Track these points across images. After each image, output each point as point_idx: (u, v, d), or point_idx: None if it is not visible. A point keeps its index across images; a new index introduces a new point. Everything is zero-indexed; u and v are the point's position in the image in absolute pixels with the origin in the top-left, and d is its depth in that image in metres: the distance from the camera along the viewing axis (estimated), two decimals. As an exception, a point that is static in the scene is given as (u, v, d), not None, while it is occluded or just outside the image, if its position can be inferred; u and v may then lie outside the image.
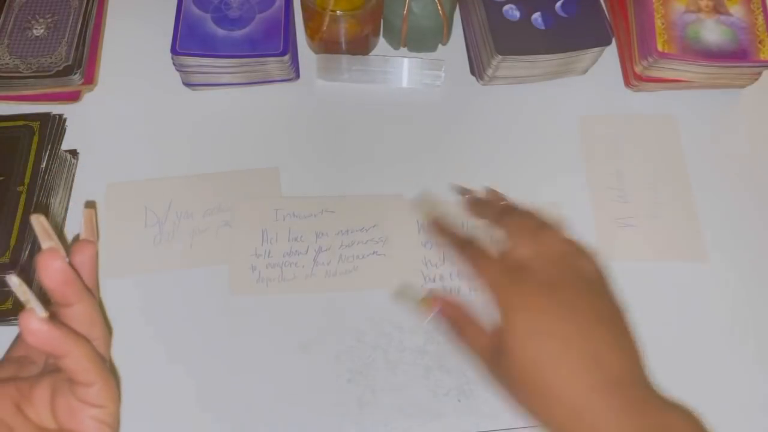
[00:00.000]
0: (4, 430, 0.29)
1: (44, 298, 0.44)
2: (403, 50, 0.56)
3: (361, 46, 0.55)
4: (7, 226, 0.43)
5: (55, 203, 0.47)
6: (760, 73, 0.54)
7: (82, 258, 0.30)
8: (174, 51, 0.50)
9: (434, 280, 0.46)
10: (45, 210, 0.45)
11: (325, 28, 0.51)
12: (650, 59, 0.51)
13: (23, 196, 0.44)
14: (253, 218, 0.48)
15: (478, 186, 0.44)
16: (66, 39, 0.52)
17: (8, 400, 0.29)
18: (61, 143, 0.49)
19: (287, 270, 0.46)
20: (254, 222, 0.48)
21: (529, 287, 0.32)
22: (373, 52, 0.56)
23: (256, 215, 0.48)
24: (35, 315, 0.26)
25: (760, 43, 0.51)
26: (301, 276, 0.46)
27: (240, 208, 0.48)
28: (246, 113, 0.53)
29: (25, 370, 0.32)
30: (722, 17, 0.52)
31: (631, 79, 0.54)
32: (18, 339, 0.34)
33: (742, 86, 0.55)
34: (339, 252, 0.47)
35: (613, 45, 0.55)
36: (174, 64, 0.51)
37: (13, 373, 0.32)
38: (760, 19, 0.52)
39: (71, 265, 0.29)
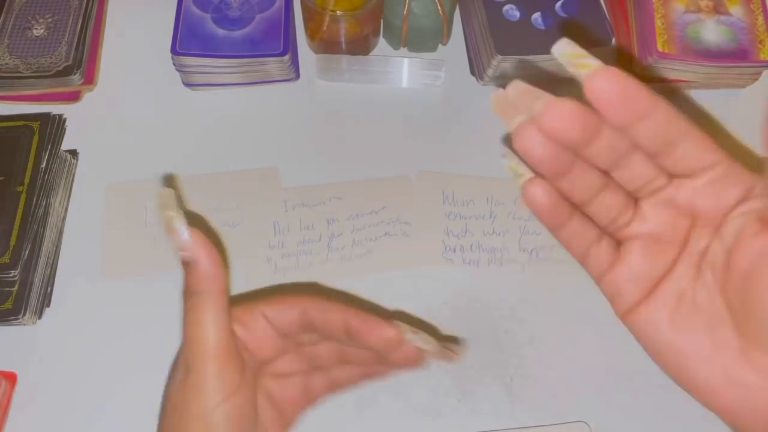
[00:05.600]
0: None
1: (46, 293, 0.43)
2: (403, 50, 0.56)
3: (361, 46, 0.55)
4: (7, 226, 0.43)
5: (55, 203, 0.47)
6: (760, 73, 0.54)
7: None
8: (174, 51, 0.50)
9: (455, 250, 0.47)
10: (45, 210, 0.45)
11: (325, 28, 0.51)
12: (650, 59, 0.51)
13: (23, 196, 0.44)
14: (262, 212, 0.48)
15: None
16: (66, 39, 0.52)
17: None
18: (61, 143, 0.49)
19: (303, 258, 0.47)
20: (264, 215, 0.48)
21: None
22: (373, 52, 0.56)
23: (265, 208, 0.48)
24: None
25: (760, 43, 0.51)
26: (317, 263, 0.46)
27: (248, 203, 0.48)
28: (246, 113, 0.53)
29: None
30: (722, 17, 0.52)
31: (631, 79, 0.54)
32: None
33: (742, 86, 0.55)
34: (352, 236, 0.47)
35: (613, 45, 0.55)
36: (174, 64, 0.51)
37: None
38: (760, 19, 0.52)
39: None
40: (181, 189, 0.49)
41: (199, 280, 0.29)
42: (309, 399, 0.34)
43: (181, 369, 0.30)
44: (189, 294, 0.30)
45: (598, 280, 0.28)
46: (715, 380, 0.25)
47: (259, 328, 0.31)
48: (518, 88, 0.25)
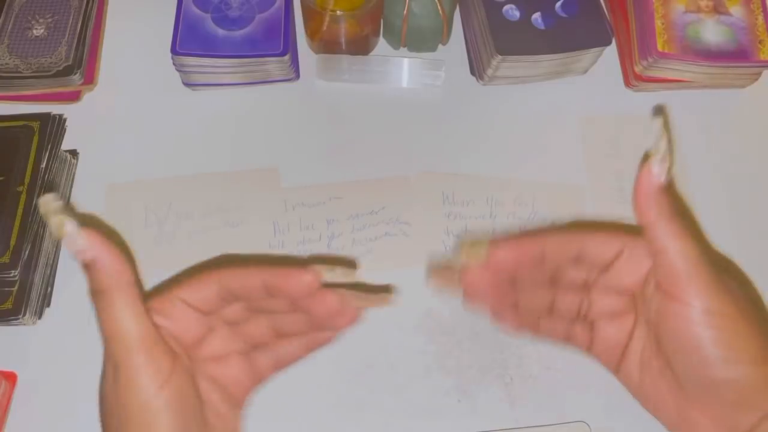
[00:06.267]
0: None
1: (46, 293, 0.43)
2: (403, 50, 0.56)
3: (361, 46, 0.55)
4: (7, 226, 0.43)
5: (55, 203, 0.47)
6: (760, 73, 0.54)
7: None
8: (174, 51, 0.50)
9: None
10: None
11: (325, 28, 0.51)
12: (650, 59, 0.51)
13: (23, 196, 0.44)
14: (262, 212, 0.48)
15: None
16: (66, 39, 0.52)
17: None
18: (61, 143, 0.49)
19: None
20: (264, 215, 0.48)
21: None
22: (373, 52, 0.56)
23: (265, 208, 0.48)
24: None
25: (760, 43, 0.51)
26: None
27: (248, 203, 0.48)
28: (246, 113, 0.53)
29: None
30: (722, 17, 0.52)
31: (631, 79, 0.54)
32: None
33: (742, 86, 0.55)
34: (351, 236, 0.47)
35: (613, 45, 0.55)
36: (174, 64, 0.51)
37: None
38: (760, 19, 0.52)
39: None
40: (182, 189, 0.49)
41: (105, 277, 0.28)
42: (255, 379, 0.34)
43: (109, 368, 0.29)
44: (97, 293, 0.29)
45: (586, 353, 0.35)
46: (674, 420, 0.31)
47: (178, 313, 0.31)
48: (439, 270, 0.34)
